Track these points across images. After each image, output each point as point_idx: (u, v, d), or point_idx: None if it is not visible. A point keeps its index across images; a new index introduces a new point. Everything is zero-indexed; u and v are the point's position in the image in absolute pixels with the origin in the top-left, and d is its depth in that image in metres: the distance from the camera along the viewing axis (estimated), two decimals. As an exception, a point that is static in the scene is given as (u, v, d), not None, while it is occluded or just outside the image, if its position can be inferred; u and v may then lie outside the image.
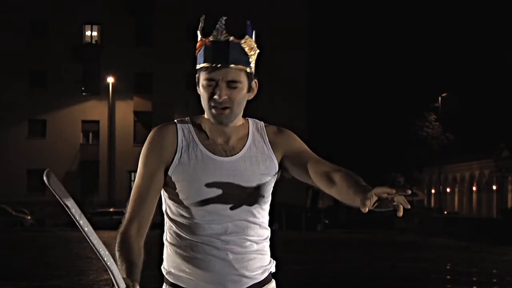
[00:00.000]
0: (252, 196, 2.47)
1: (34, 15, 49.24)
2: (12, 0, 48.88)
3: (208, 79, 2.40)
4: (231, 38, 2.41)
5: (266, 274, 2.57)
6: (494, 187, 56.98)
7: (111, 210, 44.48)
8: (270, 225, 2.67)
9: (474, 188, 61.38)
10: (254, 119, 2.58)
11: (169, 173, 2.45)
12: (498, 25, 60.99)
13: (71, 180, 49.07)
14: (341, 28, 51.95)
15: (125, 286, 2.20)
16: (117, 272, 2.17)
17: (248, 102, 2.54)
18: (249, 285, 2.49)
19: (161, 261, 2.67)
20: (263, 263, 2.56)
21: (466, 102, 57.95)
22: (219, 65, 2.38)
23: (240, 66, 2.40)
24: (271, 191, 2.55)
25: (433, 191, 66.16)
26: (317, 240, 33.21)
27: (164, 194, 2.53)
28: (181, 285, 2.53)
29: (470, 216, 55.24)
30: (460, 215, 54.37)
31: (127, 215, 2.47)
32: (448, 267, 18.86)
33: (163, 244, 2.62)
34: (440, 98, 54.19)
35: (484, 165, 58.63)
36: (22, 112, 48.38)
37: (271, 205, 2.62)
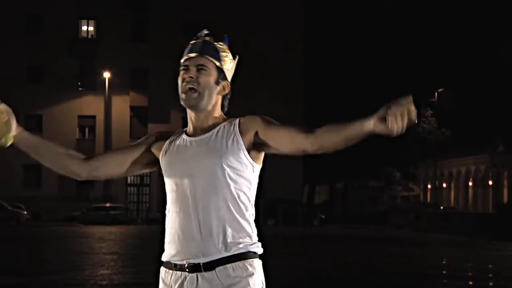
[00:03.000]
0: (213, 164, 2.69)
1: (30, 9, 49.09)
2: (7, -5, 48.75)
3: (183, 66, 2.78)
4: (207, 38, 2.82)
5: (241, 250, 2.67)
6: (490, 182, 57.03)
7: (107, 205, 44.41)
8: (257, 220, 2.80)
9: (470, 183, 61.43)
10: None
11: (160, 157, 2.83)
12: (494, 21, 61.00)
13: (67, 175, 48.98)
14: (337, 24, 51.87)
15: None
16: None
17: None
18: (218, 257, 2.64)
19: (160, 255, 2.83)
20: (233, 235, 2.67)
21: (462, 97, 57.96)
22: (193, 55, 2.78)
23: (210, 58, 2.77)
24: (243, 162, 2.73)
25: (429, 186, 66.18)
26: (314, 235, 33.23)
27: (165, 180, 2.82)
28: (164, 260, 2.76)
29: (466, 211, 55.30)
30: (456, 210, 54.43)
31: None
32: (444, 262, 18.90)
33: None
34: (436, 93, 54.21)
35: (480, 160, 58.67)
36: (18, 107, 47.67)
37: (256, 196, 2.79)
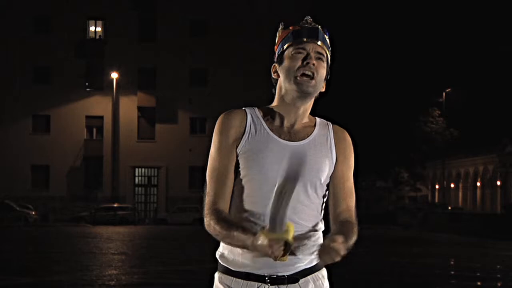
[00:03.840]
0: (309, 181, 2.53)
1: (38, 10, 49.25)
2: (15, -4, 48.90)
3: (299, 49, 2.53)
4: (319, 26, 2.58)
5: (317, 260, 2.57)
6: (498, 183, 56.94)
7: (115, 205, 44.49)
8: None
9: (478, 184, 61.33)
10: (321, 118, 2.70)
11: (237, 153, 2.55)
12: (503, 21, 60.96)
13: (75, 175, 49.13)
14: (344, 23, 51.87)
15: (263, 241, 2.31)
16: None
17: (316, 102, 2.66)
18: (301, 269, 2.54)
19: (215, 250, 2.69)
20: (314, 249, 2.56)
21: (470, 97, 57.87)
22: (309, 39, 2.53)
23: (326, 48, 2.56)
24: (327, 182, 2.61)
25: (437, 186, 66.09)
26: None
27: None
28: (232, 268, 2.56)
29: (474, 211, 55.20)
30: (464, 211, 54.33)
31: (210, 197, 2.53)
32: (452, 263, 18.87)
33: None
34: (444, 93, 54.12)
35: (488, 160, 58.57)
36: (26, 107, 48.43)
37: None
